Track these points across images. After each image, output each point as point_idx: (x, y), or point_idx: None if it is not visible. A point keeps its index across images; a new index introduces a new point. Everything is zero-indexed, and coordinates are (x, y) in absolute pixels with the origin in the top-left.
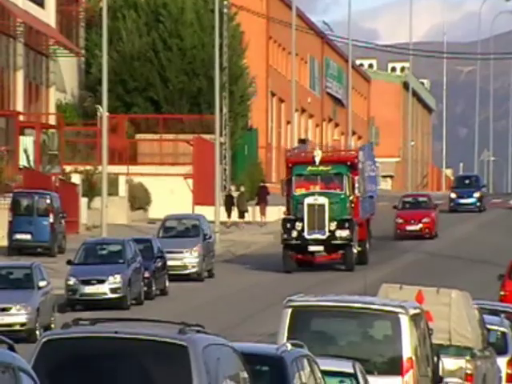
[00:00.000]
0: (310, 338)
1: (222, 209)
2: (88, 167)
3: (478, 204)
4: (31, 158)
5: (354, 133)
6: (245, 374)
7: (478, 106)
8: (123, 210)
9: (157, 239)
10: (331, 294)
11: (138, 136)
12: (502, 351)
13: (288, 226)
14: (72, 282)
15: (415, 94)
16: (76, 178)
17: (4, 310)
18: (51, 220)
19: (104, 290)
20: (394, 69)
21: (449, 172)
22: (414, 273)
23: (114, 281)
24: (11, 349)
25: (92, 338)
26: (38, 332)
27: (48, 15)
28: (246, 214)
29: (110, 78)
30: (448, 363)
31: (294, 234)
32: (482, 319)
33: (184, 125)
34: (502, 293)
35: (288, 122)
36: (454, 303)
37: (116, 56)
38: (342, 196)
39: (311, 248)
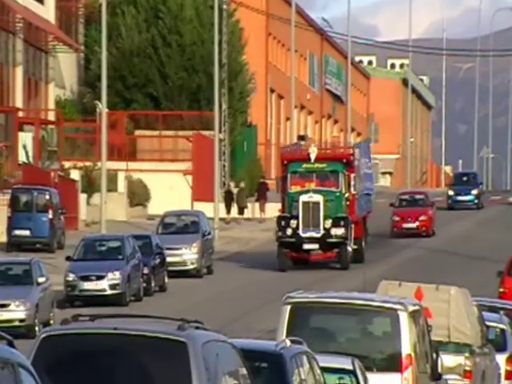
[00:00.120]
0: (309, 335)
1: (222, 205)
2: (87, 163)
3: (476, 201)
4: (30, 153)
5: (353, 129)
6: (244, 371)
7: (478, 103)
8: (122, 207)
9: (156, 235)
10: (330, 290)
11: (138, 132)
12: (500, 348)
13: (283, 223)
14: (71, 278)
15: (414, 90)
16: (75, 174)
17: (3, 305)
18: (50, 216)
19: (103, 286)
20: (393, 65)
21: (448, 169)
22: (412, 270)
23: (113, 277)
24: (10, 345)
25: (91, 334)
26: (37, 328)
27: (47, 11)
28: (245, 210)
29: (109, 74)
30: (447, 360)
31: (289, 231)
32: (481, 316)
33: (183, 121)
34: (501, 290)
35: (287, 119)
36: (453, 300)
37: (115, 52)
38: (338, 194)
39: (306, 246)
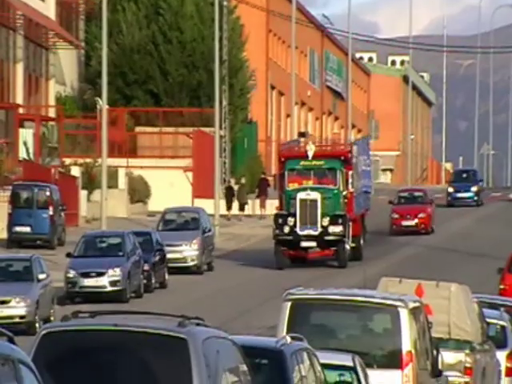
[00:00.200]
0: (309, 332)
1: (222, 202)
2: (88, 160)
3: (476, 198)
4: (31, 150)
5: (353, 126)
6: (244, 367)
7: (478, 100)
8: (123, 203)
9: (156, 232)
10: (330, 287)
11: (138, 129)
12: (501, 345)
13: (280, 221)
14: (71, 274)
15: (415, 87)
16: (76, 171)
17: (3, 302)
18: (51, 212)
19: (103, 282)
20: (393, 62)
21: (448, 166)
22: (412, 268)
23: (114, 274)
24: (11, 341)
25: (91, 331)
26: (37, 324)
27: (48, 8)
28: (245, 207)
29: (109, 70)
30: (447, 357)
31: (286, 229)
32: (481, 313)
33: (184, 118)
34: (502, 286)
35: (288, 115)
36: (454, 297)
37: (116, 49)
38: (335, 191)
39: (303, 244)
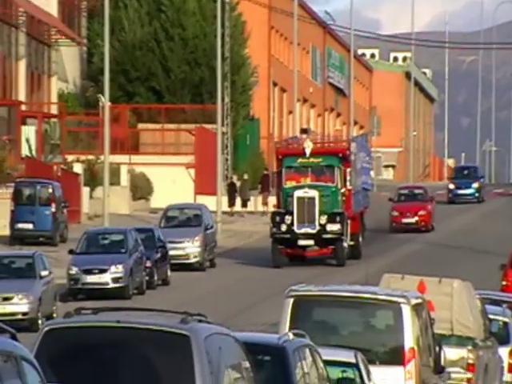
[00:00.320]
0: (311, 328)
1: (224, 198)
2: (90, 157)
3: (477, 195)
4: (33, 147)
5: (355, 123)
6: (247, 364)
7: (480, 96)
8: (125, 200)
9: (159, 229)
10: (332, 283)
11: (140, 126)
12: (503, 341)
13: (277, 219)
14: (74, 271)
15: (417, 83)
16: (78, 168)
17: (6, 299)
18: (53, 209)
19: (106, 279)
20: (396, 59)
21: (451, 162)
22: (413, 265)
23: (116, 270)
24: (13, 338)
25: (94, 328)
26: (40, 321)
27: (50, 5)
28: (248, 203)
29: (111, 67)
30: (450, 353)
31: (284, 227)
32: (483, 309)
33: (186, 114)
34: (504, 283)
35: (290, 112)
36: (456, 293)
37: (118, 46)
38: (333, 189)
39: (301, 242)
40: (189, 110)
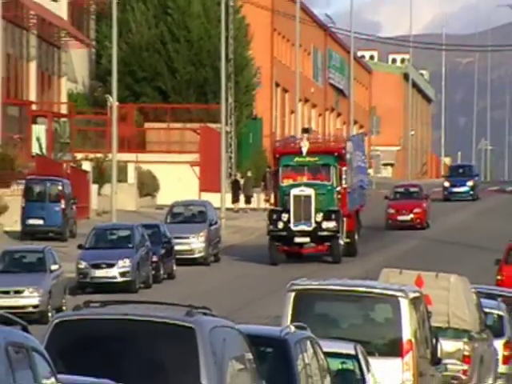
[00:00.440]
0: (312, 321)
1: (228, 195)
2: (98, 155)
3: (472, 193)
4: (43, 145)
5: (355, 122)
6: (250, 355)
7: (476, 96)
8: (132, 197)
9: (164, 225)
10: (333, 277)
11: (147, 125)
12: (498, 334)
13: (274, 217)
14: (83, 265)
15: (415, 84)
16: (86, 166)
17: (17, 292)
18: (63, 206)
19: (113, 273)
20: (394, 60)
21: (447, 160)
22: (409, 261)
23: (123, 265)
24: (24, 330)
25: (102, 320)
26: (50, 314)
27: (60, 8)
28: (251, 200)
29: (119, 68)
30: (446, 345)
31: (280, 225)
32: (479, 303)
33: (191, 114)
34: (499, 277)
35: (292, 112)
36: (453, 287)
37: (125, 47)
38: (329, 187)
39: (297, 239)
40: (194, 109)
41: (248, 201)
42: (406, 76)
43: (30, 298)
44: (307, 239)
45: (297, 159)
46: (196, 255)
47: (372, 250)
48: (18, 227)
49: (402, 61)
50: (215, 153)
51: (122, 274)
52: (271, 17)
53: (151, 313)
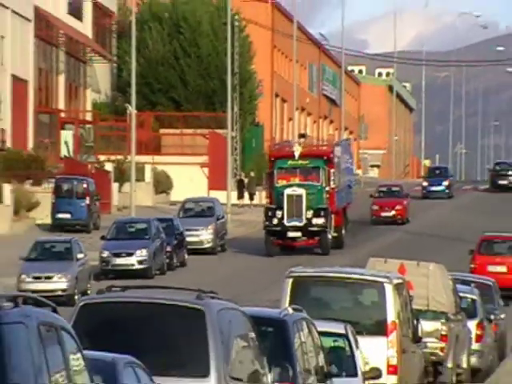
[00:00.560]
0: (308, 304)
1: (234, 193)
2: (119, 157)
3: (447, 191)
4: (70, 148)
5: (346, 128)
6: (252, 334)
7: (452, 106)
8: (149, 194)
9: (177, 219)
10: (326, 266)
11: (162, 130)
12: (472, 315)
13: (270, 214)
14: (105, 254)
15: (398, 95)
16: (108, 166)
17: (48, 278)
18: (87, 201)
19: (132, 261)
20: (380, 74)
21: (427, 162)
22: (393, 251)
23: (141, 254)
24: (54, 311)
25: (123, 303)
26: (76, 297)
27: (85, 27)
28: (254, 196)
29: (137, 80)
30: (426, 325)
31: (275, 221)
32: (455, 288)
33: (201, 121)
34: (472, 265)
35: (290, 119)
36: (432, 274)
37: (143, 62)
38: (319, 187)
39: (290, 234)
40: (203, 117)
41: (251, 198)
42: (390, 88)
43: (58, 283)
44: (299, 234)
45: (290, 162)
46: (205, 246)
47: (359, 243)
48: (48, 220)
49: (387, 74)
50: (222, 155)
51: (140, 262)
52: (271, 35)
53: (166, 296)
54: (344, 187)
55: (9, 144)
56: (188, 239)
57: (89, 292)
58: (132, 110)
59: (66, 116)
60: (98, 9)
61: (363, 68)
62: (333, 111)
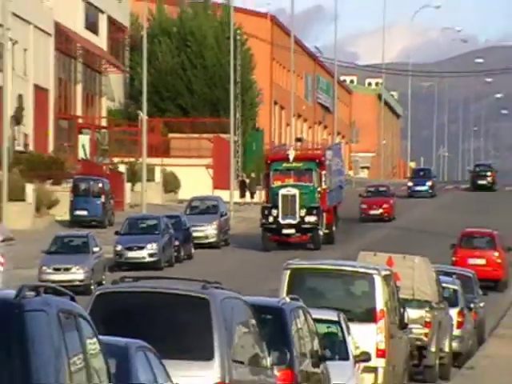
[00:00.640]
0: (304, 293)
1: (236, 192)
2: (131, 159)
3: (430, 191)
4: (87, 151)
5: (339, 133)
6: (253, 321)
7: (436, 113)
8: (158, 193)
9: (184, 216)
10: (320, 259)
11: (170, 135)
12: (453, 304)
13: (266, 212)
14: (119, 248)
15: (387, 103)
16: (122, 168)
17: (66, 269)
18: (103, 200)
19: (143, 254)
20: (370, 83)
21: (413, 164)
22: (381, 246)
23: (151, 247)
24: (72, 299)
25: (135, 292)
26: (92, 287)
27: (101, 41)
28: (255, 195)
29: (148, 89)
30: (411, 313)
31: (271, 219)
32: (438, 279)
33: (206, 126)
34: (454, 258)
35: (287, 125)
36: (417, 266)
37: (153, 72)
38: (311, 188)
39: (285, 231)
40: (208, 122)
41: (252, 196)
42: (379, 96)
43: (76, 274)
44: (293, 230)
45: (285, 165)
46: (209, 240)
47: (349, 239)
48: (67, 217)
49: (376, 84)
50: (225, 158)
51: (150, 255)
52: (271, 48)
53: (174, 286)
54: (335, 188)
55: (31, 147)
56: (194, 234)
57: (104, 282)
58: (143, 116)
59: (83, 122)
60: (113, 24)
61: (354, 78)
62: (326, 117)
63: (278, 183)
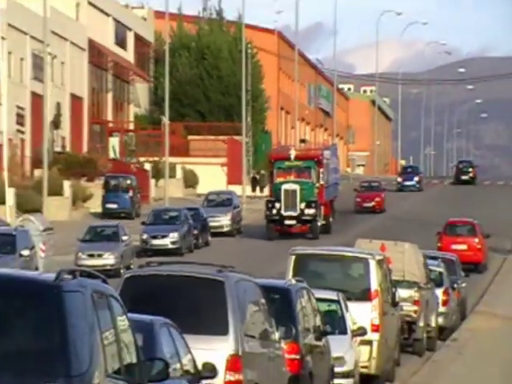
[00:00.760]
0: (307, 276)
1: (248, 187)
2: (155, 158)
3: (418, 185)
4: (117, 152)
5: (337, 135)
6: (263, 301)
7: (423, 117)
8: (179, 188)
9: (202, 208)
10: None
11: (190, 137)
12: (439, 284)
13: (270, 205)
14: (145, 236)
15: (379, 108)
16: (147, 166)
17: (99, 255)
18: (131, 194)
19: (166, 242)
20: (365, 91)
21: (403, 162)
22: (374, 234)
23: (173, 236)
24: (104, 282)
25: (159, 275)
26: (122, 271)
27: (129, 55)
28: (264, 190)
29: (170, 97)
30: (402, 293)
31: (274, 211)
32: (425, 262)
33: (221, 129)
34: (439, 244)
35: (292, 127)
36: (407, 251)
37: (174, 82)
38: (310, 184)
39: (286, 222)
40: (223, 126)
41: (262, 191)
42: (373, 102)
43: (107, 259)
44: (294, 221)
45: (286, 163)
46: (224, 229)
47: (344, 228)
48: (99, 209)
49: (371, 91)
50: (238, 157)
51: (173, 243)
52: (277, 60)
53: (193, 270)
54: (331, 184)
55: (68, 148)
56: (211, 224)
57: (132, 267)
58: (166, 120)
59: (113, 126)
60: (139, 40)
61: (351, 86)
62: (327, 121)
63: (281, 179)
